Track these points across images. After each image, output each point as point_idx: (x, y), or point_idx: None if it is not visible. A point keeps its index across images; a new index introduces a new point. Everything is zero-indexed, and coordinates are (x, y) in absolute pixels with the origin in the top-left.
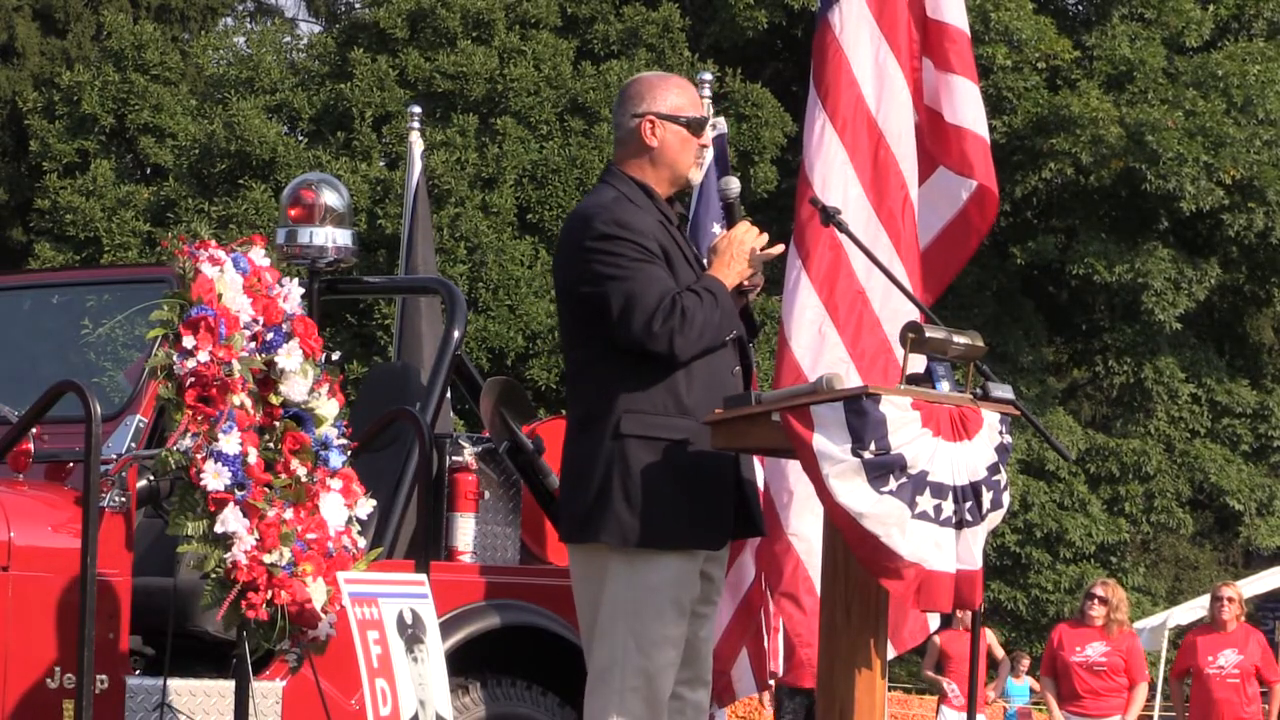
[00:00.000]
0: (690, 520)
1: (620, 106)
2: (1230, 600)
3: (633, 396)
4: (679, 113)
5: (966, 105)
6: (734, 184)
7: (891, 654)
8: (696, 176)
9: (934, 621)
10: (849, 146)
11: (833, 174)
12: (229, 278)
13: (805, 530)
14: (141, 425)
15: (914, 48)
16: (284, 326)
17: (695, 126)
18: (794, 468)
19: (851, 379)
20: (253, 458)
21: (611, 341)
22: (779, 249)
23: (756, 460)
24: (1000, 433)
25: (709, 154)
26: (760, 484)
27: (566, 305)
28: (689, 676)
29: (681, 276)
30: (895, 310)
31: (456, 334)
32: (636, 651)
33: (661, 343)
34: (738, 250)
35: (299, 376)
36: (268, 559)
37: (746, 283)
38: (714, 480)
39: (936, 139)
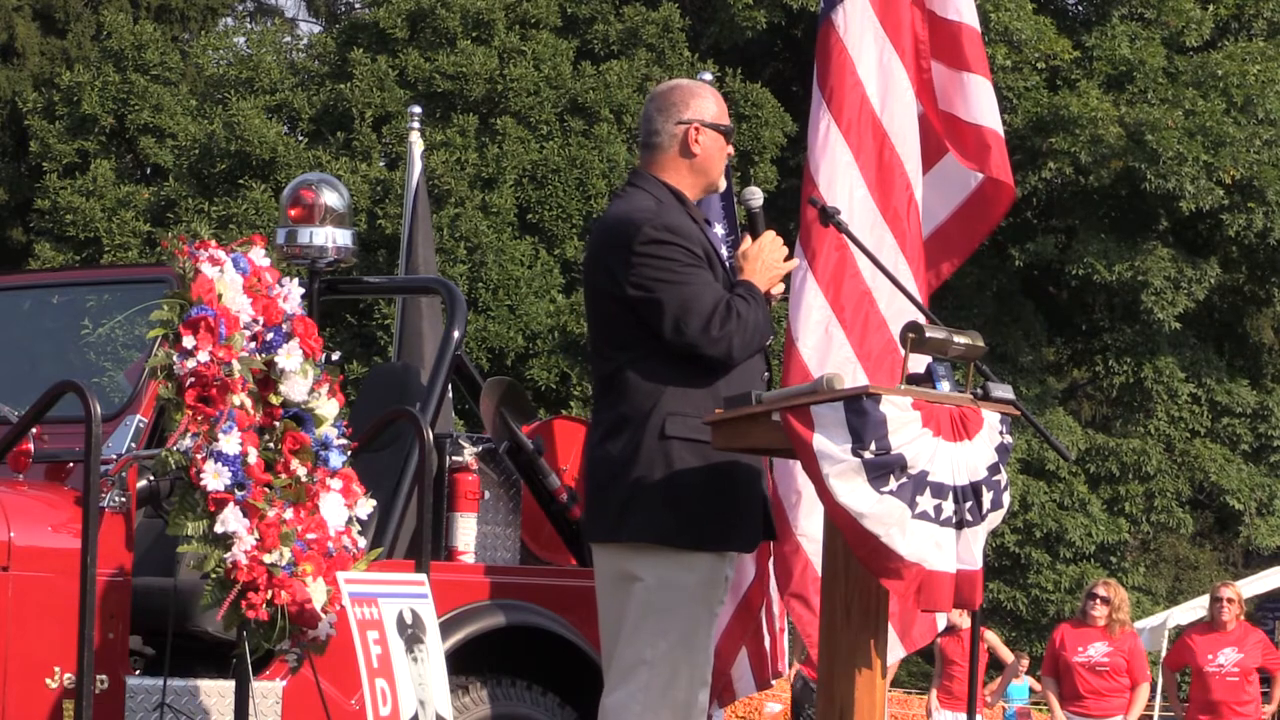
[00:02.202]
0: (726, 521)
1: (658, 113)
2: (1230, 601)
3: (677, 400)
4: (719, 121)
5: (982, 103)
6: (757, 194)
7: (902, 653)
8: (722, 182)
9: (941, 622)
10: (854, 147)
11: (838, 175)
12: (229, 278)
13: (814, 531)
14: (141, 425)
15: (919, 48)
16: (284, 326)
17: (729, 134)
18: (802, 468)
19: (858, 379)
20: (253, 458)
21: (657, 345)
22: (795, 263)
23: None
24: (1000, 433)
25: None
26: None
27: (608, 308)
28: None
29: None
30: (900, 310)
31: (456, 334)
32: (666, 651)
33: (720, 346)
34: (768, 258)
35: (299, 376)
36: (268, 559)
37: (773, 291)
38: (748, 483)
39: (954, 138)
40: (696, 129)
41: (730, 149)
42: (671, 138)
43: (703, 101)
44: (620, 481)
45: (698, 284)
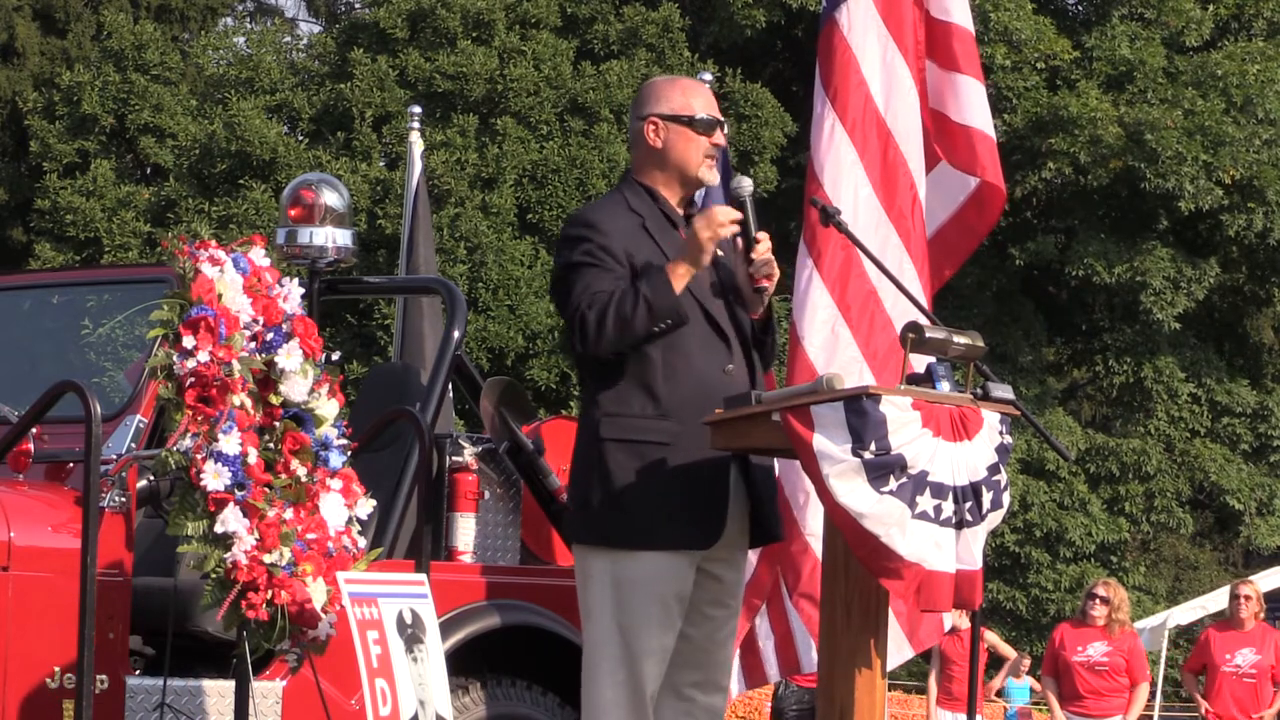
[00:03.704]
0: (668, 520)
1: (630, 112)
2: (1248, 598)
3: (610, 399)
4: (681, 112)
5: (973, 104)
6: (746, 183)
7: (910, 654)
8: (708, 176)
9: (947, 622)
10: (859, 146)
11: (843, 174)
12: (229, 278)
13: (821, 530)
14: (141, 425)
15: (920, 48)
16: (284, 326)
17: (700, 125)
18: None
19: (865, 378)
20: (253, 458)
21: None
22: (763, 247)
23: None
24: (1000, 433)
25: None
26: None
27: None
28: (699, 679)
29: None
30: (906, 310)
31: (457, 334)
32: (620, 646)
33: (575, 340)
34: (694, 239)
35: (299, 376)
36: (268, 559)
37: (763, 281)
38: (697, 481)
39: (943, 139)
40: (654, 123)
41: (710, 140)
42: (636, 135)
43: (664, 95)
44: (575, 485)
45: (586, 277)
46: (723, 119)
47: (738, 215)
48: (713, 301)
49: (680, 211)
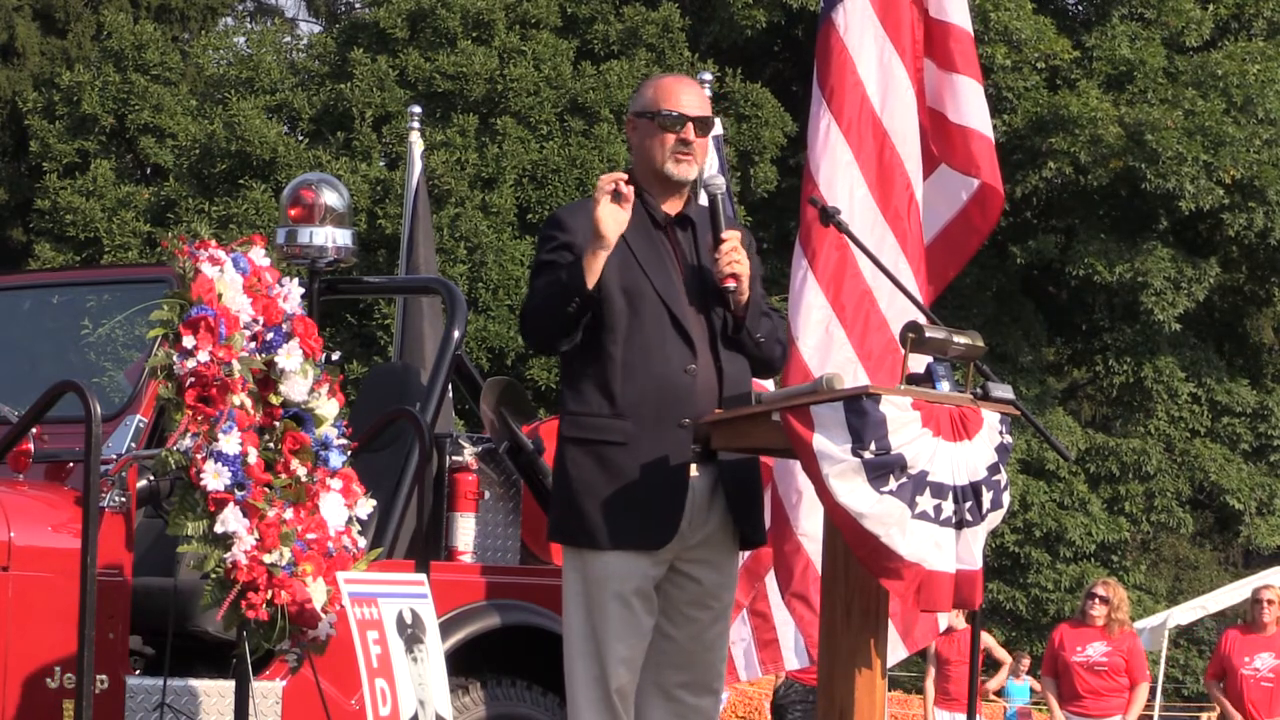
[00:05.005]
0: (619, 520)
1: None
2: (1270, 603)
3: (572, 398)
4: (647, 108)
5: (971, 105)
6: (717, 180)
7: (904, 654)
8: (675, 171)
9: (943, 622)
10: (854, 147)
11: (838, 174)
12: (229, 278)
13: (815, 530)
14: (141, 425)
15: (917, 48)
16: (284, 326)
17: (664, 120)
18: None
19: (859, 379)
20: (253, 458)
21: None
22: (726, 246)
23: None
24: (1000, 433)
25: (711, 155)
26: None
27: None
28: (687, 680)
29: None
30: (901, 310)
31: (457, 334)
32: (590, 641)
33: (521, 331)
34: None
35: (299, 376)
36: (268, 559)
37: (727, 280)
38: (652, 482)
39: (940, 139)
40: (630, 121)
41: (679, 136)
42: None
43: (641, 92)
44: (552, 484)
45: (545, 275)
46: (698, 115)
47: (621, 176)
48: (679, 302)
49: (669, 211)
